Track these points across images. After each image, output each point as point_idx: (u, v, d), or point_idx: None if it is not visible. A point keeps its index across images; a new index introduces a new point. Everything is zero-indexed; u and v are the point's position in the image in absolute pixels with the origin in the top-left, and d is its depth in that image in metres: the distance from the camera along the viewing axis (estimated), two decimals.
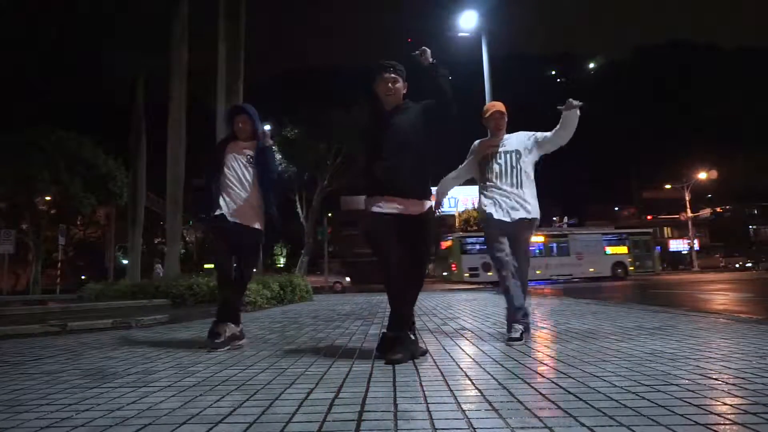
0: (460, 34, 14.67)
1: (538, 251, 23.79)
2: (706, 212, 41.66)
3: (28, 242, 22.96)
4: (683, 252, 49.50)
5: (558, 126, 3.39)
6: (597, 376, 2.04)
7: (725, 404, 1.60)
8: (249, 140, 3.51)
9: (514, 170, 3.39)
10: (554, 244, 24.51)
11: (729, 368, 2.14)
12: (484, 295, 10.02)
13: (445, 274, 25.52)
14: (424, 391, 1.87)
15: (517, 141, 3.51)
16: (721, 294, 9.66)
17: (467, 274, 22.96)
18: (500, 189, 3.37)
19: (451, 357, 2.67)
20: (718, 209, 46.10)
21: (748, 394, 1.70)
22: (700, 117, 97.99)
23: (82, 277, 33.13)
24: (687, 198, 38.77)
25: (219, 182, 3.40)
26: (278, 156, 22.71)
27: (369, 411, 1.61)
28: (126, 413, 1.66)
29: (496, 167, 3.43)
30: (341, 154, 22.37)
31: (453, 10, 14.71)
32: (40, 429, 1.52)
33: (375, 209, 2.74)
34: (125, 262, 22.39)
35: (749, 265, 41.28)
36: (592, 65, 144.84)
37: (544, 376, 2.07)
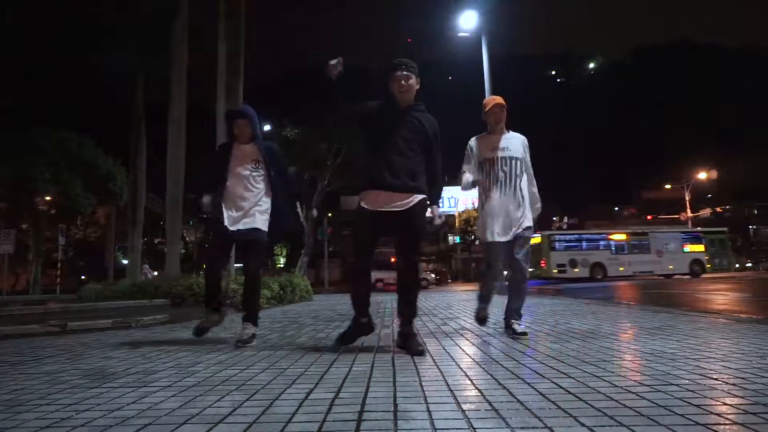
0: (460, 34, 14.68)
1: (619, 248, 24.75)
2: (706, 212, 41.67)
3: (28, 242, 22.97)
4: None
5: (529, 188, 3.52)
6: (597, 376, 2.04)
7: (725, 404, 1.60)
8: (249, 142, 3.51)
9: (518, 179, 3.44)
10: (636, 242, 25.18)
11: (729, 368, 2.14)
12: None
13: (531, 269, 26.18)
14: (424, 391, 1.87)
15: (518, 145, 3.50)
16: (721, 294, 9.66)
17: (556, 271, 23.86)
18: (503, 203, 3.40)
19: (451, 357, 2.67)
20: (718, 209, 46.11)
21: (748, 394, 1.70)
22: (700, 117, 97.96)
23: (82, 277, 33.14)
24: (687, 198, 38.79)
25: (222, 190, 3.41)
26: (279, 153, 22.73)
27: (369, 411, 1.61)
28: (126, 413, 1.66)
29: (501, 175, 3.44)
30: (341, 154, 22.36)
31: (453, 10, 14.72)
32: (40, 429, 1.52)
33: (364, 206, 2.89)
34: (125, 262, 22.39)
35: (749, 265, 41.29)
36: (592, 65, 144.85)
37: (544, 376, 2.07)
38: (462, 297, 10.00)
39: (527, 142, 3.57)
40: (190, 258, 40.65)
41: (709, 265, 24.84)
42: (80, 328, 4.65)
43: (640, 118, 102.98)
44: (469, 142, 3.63)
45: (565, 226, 50.17)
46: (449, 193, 36.94)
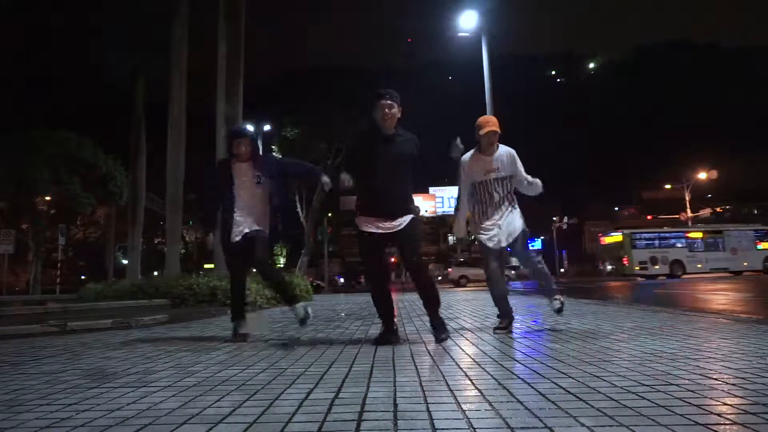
0: (460, 34, 14.67)
1: (696, 246, 25.50)
2: (706, 212, 41.64)
3: (28, 242, 22.96)
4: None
5: (527, 179, 3.74)
6: (597, 376, 2.03)
7: (725, 404, 1.60)
8: (247, 161, 3.72)
9: (509, 195, 3.72)
10: (711, 240, 25.83)
11: (729, 368, 2.14)
12: (484, 295, 10.01)
13: (610, 267, 26.97)
14: (424, 391, 1.87)
15: (507, 163, 3.68)
16: (721, 294, 9.66)
17: (638, 268, 24.43)
18: (497, 221, 3.67)
19: (451, 357, 2.67)
20: (718, 209, 46.10)
21: (748, 394, 1.70)
22: (700, 117, 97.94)
23: (82, 277, 33.13)
24: (687, 198, 38.78)
25: (227, 206, 3.65)
26: (278, 156, 22.75)
27: (369, 411, 1.61)
28: (126, 413, 1.66)
29: (496, 196, 3.68)
30: (341, 154, 22.37)
31: (453, 10, 14.72)
32: (40, 429, 1.52)
33: (365, 228, 3.20)
34: (125, 262, 22.38)
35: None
36: (592, 65, 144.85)
37: (544, 376, 2.07)
38: (462, 297, 10.01)
39: (515, 154, 3.73)
40: (191, 258, 40.66)
41: None
42: (80, 328, 4.66)
43: (640, 118, 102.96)
44: (462, 162, 3.76)
45: (565, 226, 50.19)
46: (450, 193, 36.95)
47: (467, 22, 14.24)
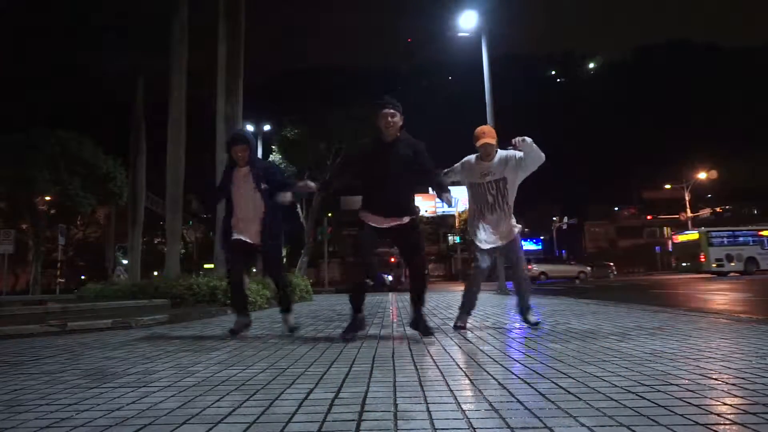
0: (460, 34, 14.67)
1: (766, 244, 26.40)
2: (706, 212, 41.62)
3: (28, 242, 22.96)
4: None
5: (528, 160, 3.79)
6: (597, 376, 2.04)
7: (725, 404, 1.60)
8: (246, 165, 3.82)
9: (504, 198, 3.83)
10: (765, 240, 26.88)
11: (729, 368, 2.14)
12: (484, 296, 10.01)
13: (684, 264, 27.90)
14: (424, 391, 1.87)
15: (502, 165, 3.81)
16: (721, 294, 9.66)
17: (714, 265, 25.18)
18: (490, 221, 3.84)
19: (451, 357, 2.67)
20: (718, 209, 46.07)
21: (748, 394, 1.70)
22: (700, 117, 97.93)
23: (82, 277, 33.13)
24: (687, 198, 38.76)
25: (227, 212, 3.85)
26: (278, 157, 22.74)
27: (369, 411, 1.61)
28: (126, 413, 1.66)
29: (489, 198, 3.84)
30: (341, 154, 22.36)
31: (453, 10, 14.71)
32: (40, 429, 1.52)
33: (365, 220, 3.37)
34: (125, 262, 22.38)
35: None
36: (592, 65, 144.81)
37: (544, 376, 2.07)
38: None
39: (507, 153, 3.84)
40: (191, 258, 40.66)
41: None
42: (80, 328, 4.65)
43: (640, 118, 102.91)
44: (465, 160, 3.98)
45: (564, 226, 50.18)
46: (450, 193, 36.94)
47: (467, 22, 14.23)
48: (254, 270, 4.34)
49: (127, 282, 10.58)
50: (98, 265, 29.81)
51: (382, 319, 5.10)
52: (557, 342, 3.09)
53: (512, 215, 3.90)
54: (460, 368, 2.34)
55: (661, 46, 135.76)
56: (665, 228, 55.57)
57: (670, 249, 33.53)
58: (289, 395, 1.86)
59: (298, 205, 23.87)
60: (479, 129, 3.90)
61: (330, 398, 1.79)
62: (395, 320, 5.11)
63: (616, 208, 63.34)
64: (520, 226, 3.96)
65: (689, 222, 38.38)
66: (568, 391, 1.79)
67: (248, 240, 3.77)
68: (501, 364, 2.39)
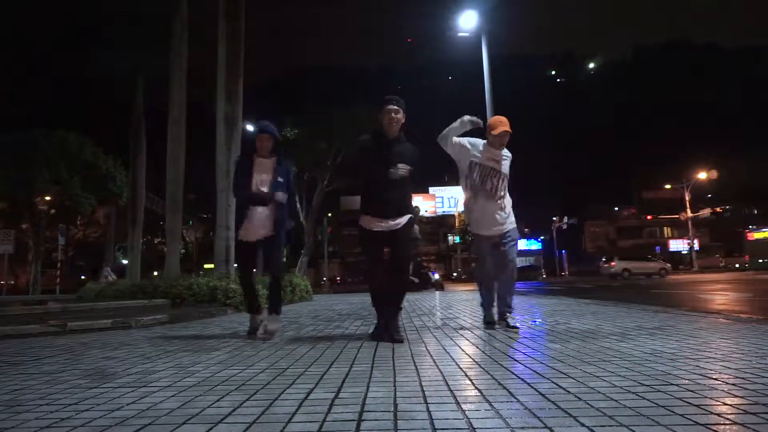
0: (460, 34, 14.66)
1: None
2: (706, 212, 41.59)
3: (28, 242, 22.95)
4: (683, 252, 49.50)
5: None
6: (597, 376, 2.04)
7: (725, 404, 1.60)
8: (269, 157, 3.87)
9: (501, 191, 3.83)
10: None
11: (729, 368, 2.14)
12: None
13: (761, 261, 29.28)
14: (424, 391, 1.87)
15: (507, 162, 3.86)
16: (721, 294, 9.66)
17: None
18: (486, 208, 3.79)
19: (451, 357, 2.67)
20: (718, 209, 46.03)
21: (748, 394, 1.70)
22: (700, 117, 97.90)
23: (82, 277, 33.11)
24: (687, 198, 38.75)
25: (243, 201, 3.84)
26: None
27: (369, 411, 1.61)
28: (126, 413, 1.66)
29: (489, 185, 3.78)
30: (341, 153, 22.35)
31: (453, 10, 14.70)
32: (40, 429, 1.52)
33: (368, 227, 3.41)
34: (125, 262, 22.35)
35: (748, 265, 41.22)
36: (592, 65, 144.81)
37: (544, 376, 2.07)
38: (462, 297, 10.00)
39: (509, 155, 3.91)
40: (190, 258, 40.65)
41: None
42: (80, 328, 4.65)
43: (640, 118, 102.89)
44: (475, 140, 3.88)
45: (564, 226, 50.14)
46: (450, 193, 36.96)
47: (467, 22, 14.22)
48: (255, 270, 4.38)
49: (126, 282, 10.57)
50: (98, 265, 29.79)
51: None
52: (557, 342, 3.09)
53: (509, 212, 3.86)
54: (460, 368, 2.34)
55: (661, 46, 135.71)
56: (665, 228, 55.54)
57: (744, 246, 33.79)
58: (289, 395, 1.86)
59: (298, 205, 23.87)
60: (496, 118, 3.86)
61: (330, 398, 1.79)
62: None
63: (616, 208, 63.25)
64: (514, 225, 3.90)
65: (689, 222, 38.38)
66: (568, 391, 1.79)
67: (256, 238, 3.80)
68: (501, 364, 2.38)
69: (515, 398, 1.72)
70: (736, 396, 1.69)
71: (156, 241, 40.24)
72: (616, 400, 1.65)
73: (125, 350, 3.26)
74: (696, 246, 41.20)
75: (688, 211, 38.75)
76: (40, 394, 1.99)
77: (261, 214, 3.78)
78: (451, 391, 1.86)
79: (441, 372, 2.24)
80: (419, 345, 3.15)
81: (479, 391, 1.86)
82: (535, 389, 1.84)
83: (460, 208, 29.93)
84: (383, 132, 3.45)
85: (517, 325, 3.87)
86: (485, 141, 3.84)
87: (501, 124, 3.77)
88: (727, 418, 1.45)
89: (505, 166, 3.84)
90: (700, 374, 2.03)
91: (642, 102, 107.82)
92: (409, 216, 3.45)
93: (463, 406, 1.64)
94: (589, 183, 77.66)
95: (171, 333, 4.34)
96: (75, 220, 27.75)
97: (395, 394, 1.82)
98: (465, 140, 3.87)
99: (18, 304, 8.08)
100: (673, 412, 1.51)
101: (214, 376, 2.29)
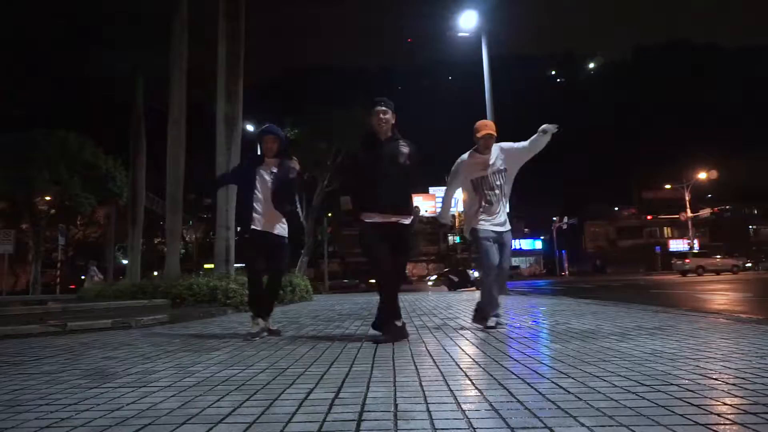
0: (460, 34, 14.67)
1: None
2: (706, 212, 41.56)
3: (28, 242, 22.95)
4: (683, 252, 49.52)
5: (528, 144, 3.92)
6: (597, 376, 2.04)
7: (725, 404, 1.60)
8: (275, 158, 3.96)
9: (502, 190, 3.96)
10: None
11: (729, 368, 2.14)
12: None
13: None
14: (424, 391, 1.87)
15: (501, 157, 3.97)
16: (721, 294, 9.66)
17: None
18: (494, 210, 3.93)
19: (451, 357, 2.67)
20: (717, 209, 46.00)
21: (748, 394, 1.70)
22: (700, 117, 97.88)
23: (82, 277, 33.09)
24: (687, 198, 38.74)
25: (252, 198, 3.88)
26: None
27: (369, 411, 1.61)
28: (126, 413, 1.66)
29: (496, 189, 3.93)
30: (341, 153, 22.34)
31: (453, 10, 14.70)
32: (40, 429, 1.52)
33: (368, 220, 3.40)
34: (125, 262, 22.36)
35: (749, 265, 41.21)
36: (592, 65, 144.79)
37: (544, 376, 2.07)
38: (462, 297, 10.00)
39: (502, 144, 4.01)
40: (190, 258, 40.64)
41: None
42: (80, 328, 4.66)
43: (640, 118, 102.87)
44: (459, 162, 4.06)
45: (565, 226, 50.14)
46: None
47: (467, 22, 14.23)
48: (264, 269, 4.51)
49: (126, 282, 10.57)
50: (98, 265, 29.77)
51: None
52: (557, 342, 3.09)
53: (506, 209, 4.02)
54: (460, 368, 2.34)
55: (661, 46, 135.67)
56: (665, 228, 55.52)
57: None
58: (289, 395, 1.87)
59: (299, 205, 23.87)
60: (480, 122, 4.06)
61: (330, 398, 1.79)
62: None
63: (616, 208, 63.22)
64: (509, 228, 4.05)
65: (689, 222, 38.36)
66: (568, 391, 1.79)
67: (270, 231, 3.85)
68: (501, 364, 2.38)
69: (515, 398, 1.72)
70: (736, 396, 1.69)
71: (156, 241, 40.22)
72: (616, 400, 1.65)
73: (125, 350, 3.26)
74: (696, 246, 41.19)
75: (688, 211, 38.73)
76: (40, 394, 1.99)
77: (274, 212, 3.87)
78: (451, 391, 1.86)
79: (441, 372, 2.24)
80: (419, 345, 3.15)
81: (479, 391, 1.86)
82: (535, 389, 1.84)
83: (460, 207, 29.98)
84: (374, 133, 3.52)
85: (494, 324, 3.89)
86: (470, 151, 4.03)
87: (485, 127, 3.97)
88: (727, 418, 1.45)
89: (499, 163, 3.94)
90: (700, 374, 2.03)
91: (642, 102, 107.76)
92: (411, 217, 3.49)
93: (463, 406, 1.64)
94: (589, 183, 77.64)
95: (171, 333, 4.34)
96: (75, 220, 27.75)
97: (395, 394, 1.82)
98: (452, 173, 4.11)
99: (18, 304, 8.09)
100: (673, 412, 1.51)
101: (214, 376, 2.29)
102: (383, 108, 3.47)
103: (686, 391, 1.76)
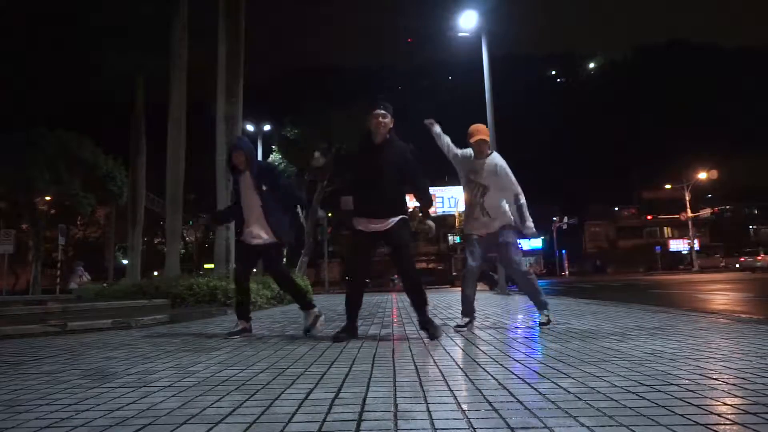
0: (460, 34, 14.66)
1: None
2: (706, 212, 41.57)
3: (28, 242, 22.95)
4: (683, 252, 49.53)
5: (515, 195, 3.96)
6: (597, 376, 2.04)
7: (725, 404, 1.60)
8: (245, 170, 3.98)
9: (486, 198, 3.93)
10: None
11: (729, 368, 2.14)
12: (484, 295, 10.01)
13: None
14: (424, 391, 1.87)
15: (491, 173, 3.93)
16: (721, 294, 9.66)
17: None
18: (479, 216, 3.93)
19: (451, 357, 2.67)
20: (717, 209, 45.99)
21: (748, 394, 1.70)
22: (700, 117, 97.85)
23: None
24: (687, 198, 38.73)
25: (238, 216, 4.03)
26: (278, 157, 22.71)
27: (369, 411, 1.61)
28: (126, 413, 1.66)
29: (477, 197, 3.93)
30: (341, 153, 22.32)
31: (453, 10, 14.69)
32: (40, 429, 1.52)
33: (360, 228, 3.46)
34: (125, 262, 22.35)
35: None
36: (592, 65, 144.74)
37: (544, 376, 2.07)
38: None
39: (505, 167, 3.99)
40: (191, 258, 40.64)
41: None
42: (80, 328, 4.65)
43: (640, 117, 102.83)
44: (466, 151, 4.03)
45: (565, 226, 50.14)
46: (450, 193, 36.92)
47: (467, 22, 14.21)
48: (254, 270, 4.64)
49: (126, 282, 10.57)
50: (98, 265, 29.77)
51: (382, 319, 5.11)
52: (557, 342, 3.09)
53: (504, 213, 3.94)
54: (460, 368, 2.34)
55: (661, 46, 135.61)
56: (665, 228, 55.51)
57: None
58: (289, 395, 1.86)
59: (298, 205, 23.84)
60: (473, 126, 4.03)
61: (330, 398, 1.79)
62: (395, 320, 5.11)
63: (616, 208, 63.19)
64: (513, 231, 4.00)
65: (689, 222, 38.35)
66: (568, 391, 1.79)
67: (253, 242, 3.91)
68: (501, 364, 2.38)
69: (515, 398, 1.72)
70: (736, 396, 1.69)
71: (156, 241, 40.22)
72: (616, 400, 1.65)
73: (125, 350, 3.26)
74: (696, 246, 41.20)
75: (688, 211, 38.74)
76: (40, 394, 1.99)
77: (255, 225, 3.92)
78: (451, 391, 1.86)
79: (441, 372, 2.24)
80: (419, 345, 3.15)
81: (479, 391, 1.86)
82: (535, 389, 1.84)
83: (461, 207, 29.98)
84: (371, 137, 3.53)
85: (548, 320, 3.91)
86: (472, 155, 4.03)
87: (477, 132, 3.96)
88: (727, 418, 1.45)
89: (488, 176, 3.92)
90: (700, 374, 2.03)
91: (642, 102, 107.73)
92: (400, 217, 3.46)
93: (463, 406, 1.64)
94: (589, 183, 77.60)
95: (171, 333, 4.34)
96: (75, 220, 27.76)
97: (395, 394, 1.82)
98: (459, 154, 4.06)
99: (18, 304, 8.08)
100: (673, 412, 1.51)
101: (214, 376, 2.29)
102: (382, 111, 3.48)
103: (686, 391, 1.76)
